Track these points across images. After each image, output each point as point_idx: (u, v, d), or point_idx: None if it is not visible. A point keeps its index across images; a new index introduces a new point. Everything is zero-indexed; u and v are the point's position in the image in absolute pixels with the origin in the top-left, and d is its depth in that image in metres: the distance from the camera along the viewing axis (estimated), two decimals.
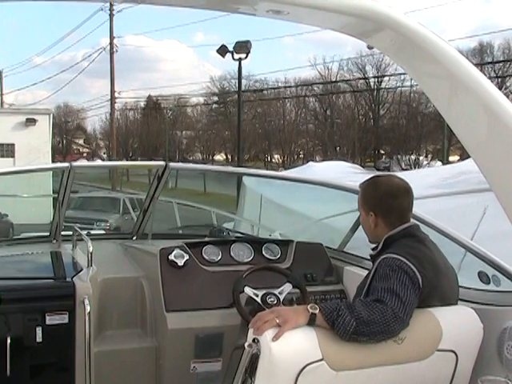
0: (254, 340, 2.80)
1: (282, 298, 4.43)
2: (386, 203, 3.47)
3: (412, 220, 3.58)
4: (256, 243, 5.20)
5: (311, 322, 2.85)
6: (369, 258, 3.69)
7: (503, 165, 2.77)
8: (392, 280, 3.04)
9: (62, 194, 5.36)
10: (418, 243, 3.37)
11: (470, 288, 3.97)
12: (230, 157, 72.43)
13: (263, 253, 5.09)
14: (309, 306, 2.89)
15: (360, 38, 3.02)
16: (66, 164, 5.16)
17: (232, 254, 5.03)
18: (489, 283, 3.92)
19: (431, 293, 3.19)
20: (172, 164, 5.29)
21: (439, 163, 45.46)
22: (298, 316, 2.86)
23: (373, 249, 3.58)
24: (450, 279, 3.41)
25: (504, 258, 3.87)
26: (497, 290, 3.82)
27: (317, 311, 2.86)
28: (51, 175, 19.61)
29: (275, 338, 2.75)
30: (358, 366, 2.87)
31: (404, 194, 3.51)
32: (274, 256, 5.07)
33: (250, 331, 2.86)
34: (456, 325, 3.14)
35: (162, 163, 5.25)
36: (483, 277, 3.97)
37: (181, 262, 4.75)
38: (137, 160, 61.95)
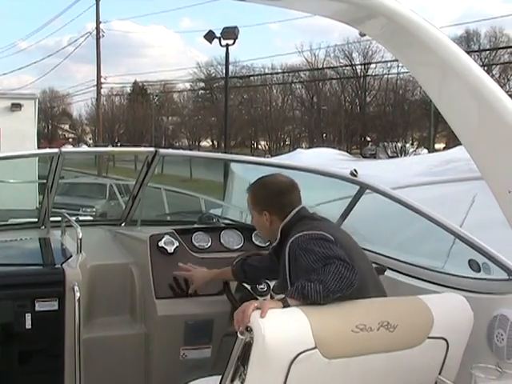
0: (247, 328, 2.80)
1: (272, 284, 4.43)
2: (276, 201, 3.71)
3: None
4: (246, 230, 5.20)
5: (285, 304, 2.92)
6: None
7: (494, 152, 2.78)
8: (314, 251, 3.17)
9: (50, 180, 5.32)
10: (312, 220, 3.61)
11: (460, 276, 3.99)
12: (216, 143, 72.28)
13: (253, 240, 5.09)
14: (276, 297, 3.05)
15: (352, 24, 3.01)
16: (55, 150, 5.12)
17: (222, 240, 5.03)
18: (479, 271, 3.94)
19: (350, 250, 3.35)
20: (162, 150, 5.25)
21: (425, 151, 45.60)
22: (272, 302, 2.95)
23: (269, 244, 3.85)
24: (354, 240, 3.65)
25: (493, 246, 3.89)
26: (487, 278, 3.85)
27: (283, 296, 2.96)
28: (37, 160, 19.47)
29: (262, 314, 2.79)
30: (351, 353, 2.88)
31: (290, 189, 3.77)
32: (263, 243, 5.07)
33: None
34: (447, 312, 3.16)
35: (152, 149, 5.21)
36: (474, 265, 3.99)
37: (170, 249, 4.75)
38: (122, 146, 61.70)
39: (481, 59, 54.06)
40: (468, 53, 2.72)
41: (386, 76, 62.89)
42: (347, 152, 31.33)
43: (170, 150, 6.63)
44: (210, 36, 27.42)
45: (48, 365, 4.37)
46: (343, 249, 3.24)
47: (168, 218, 7.03)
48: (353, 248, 3.48)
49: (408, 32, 2.72)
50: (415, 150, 54.45)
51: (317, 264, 3.08)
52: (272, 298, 3.91)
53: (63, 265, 4.38)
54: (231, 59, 36.03)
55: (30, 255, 5.08)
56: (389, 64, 57.60)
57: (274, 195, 3.71)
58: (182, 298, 4.61)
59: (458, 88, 2.75)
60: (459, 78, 2.68)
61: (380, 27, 2.87)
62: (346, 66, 65.91)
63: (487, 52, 57.53)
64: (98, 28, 56.52)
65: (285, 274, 3.45)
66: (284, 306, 2.91)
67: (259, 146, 72.46)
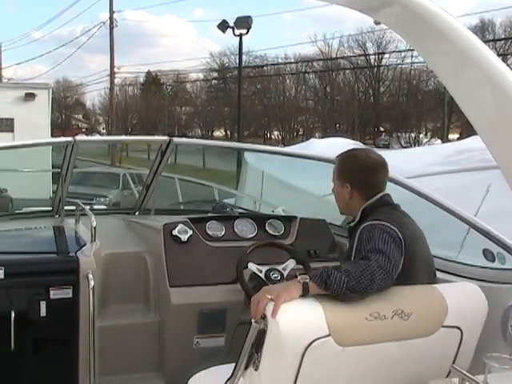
0: (261, 315, 2.81)
1: (285, 274, 4.42)
2: (363, 177, 3.58)
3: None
4: (259, 219, 5.19)
5: (305, 291, 2.87)
6: None
7: (511, 141, 2.76)
8: (374, 240, 3.12)
9: (65, 169, 5.34)
10: (394, 210, 3.51)
11: (474, 265, 3.98)
12: (229, 133, 72.24)
13: (267, 229, 5.08)
14: (299, 278, 2.91)
15: (367, 12, 2.99)
16: (69, 138, 5.13)
17: (235, 229, 5.03)
18: (494, 261, 3.93)
19: (414, 255, 3.27)
20: (176, 139, 5.25)
21: (439, 141, 45.43)
22: (290, 289, 2.88)
23: (349, 222, 3.70)
24: (426, 244, 3.51)
25: (508, 235, 3.88)
26: (502, 267, 3.83)
27: (308, 280, 2.88)
28: (50, 149, 19.51)
29: (273, 314, 2.76)
30: (365, 341, 2.88)
31: (380, 168, 3.63)
32: (277, 232, 5.07)
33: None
34: (461, 301, 3.15)
35: (166, 138, 5.21)
36: (488, 254, 3.97)
37: (184, 238, 4.75)
38: (135, 135, 61.65)
39: (496, 49, 53.70)
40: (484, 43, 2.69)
41: (399, 66, 62.76)
42: (361, 142, 31.24)
43: (184, 139, 6.61)
44: (223, 26, 27.39)
45: (62, 352, 4.39)
46: (407, 252, 3.20)
47: (182, 207, 7.03)
48: (418, 254, 3.35)
49: (424, 20, 2.69)
50: (429, 141, 54.27)
51: (364, 254, 3.06)
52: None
53: (77, 253, 4.40)
54: (244, 49, 35.90)
55: (44, 243, 5.10)
56: (402, 54, 57.58)
57: (362, 171, 3.58)
58: (196, 286, 4.62)
59: (474, 77, 2.73)
60: (476, 67, 2.65)
61: (395, 15, 2.85)
62: (360, 55, 65.69)
63: (502, 42, 57.14)
64: (111, 18, 56.45)
65: (349, 255, 3.38)
66: (303, 292, 2.86)
67: (272, 136, 72.36)
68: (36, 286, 4.23)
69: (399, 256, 3.12)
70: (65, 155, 5.25)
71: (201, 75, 77.47)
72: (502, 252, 3.84)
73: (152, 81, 79.05)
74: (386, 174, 3.65)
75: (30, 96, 30.57)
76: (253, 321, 2.83)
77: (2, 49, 65.56)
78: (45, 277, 4.26)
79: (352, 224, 3.60)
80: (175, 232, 4.76)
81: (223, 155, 36.61)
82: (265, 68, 69.91)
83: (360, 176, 3.58)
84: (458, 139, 36.02)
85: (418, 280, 3.30)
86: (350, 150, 3.79)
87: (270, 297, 2.83)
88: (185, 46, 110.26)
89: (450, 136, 52.66)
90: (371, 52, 65.42)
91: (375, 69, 66.15)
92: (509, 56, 55.17)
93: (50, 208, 5.80)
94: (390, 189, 4.83)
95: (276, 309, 2.77)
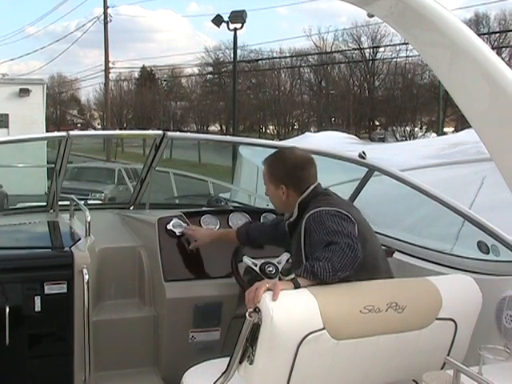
0: (255, 309, 2.80)
1: (280, 267, 4.42)
2: (295, 175, 3.69)
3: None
4: (254, 213, 5.19)
5: (296, 285, 2.92)
6: None
7: (504, 134, 2.76)
8: (326, 225, 3.22)
9: (59, 164, 5.31)
10: (328, 196, 3.64)
11: (469, 258, 3.98)
12: (224, 128, 72.17)
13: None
14: (286, 279, 3.04)
15: (360, 5, 3.00)
16: (63, 133, 5.10)
17: (230, 223, 5.02)
18: (488, 253, 3.94)
19: (362, 223, 3.47)
20: (170, 133, 5.22)
21: (434, 134, 45.46)
22: (283, 283, 2.93)
23: (288, 218, 3.78)
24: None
25: (502, 227, 3.88)
26: (496, 259, 3.84)
27: (293, 276, 2.96)
28: (45, 145, 19.48)
29: (274, 297, 2.78)
30: (359, 334, 2.88)
31: (309, 164, 3.76)
32: None
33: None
34: (455, 294, 3.16)
35: (160, 132, 5.18)
36: (482, 246, 3.98)
37: (179, 232, 4.75)
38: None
39: (490, 42, 53.74)
40: (477, 36, 2.70)
41: (394, 60, 62.75)
42: (356, 136, 31.23)
43: (178, 133, 6.56)
44: (217, 20, 27.32)
45: (57, 347, 4.38)
46: (357, 226, 3.32)
47: (177, 202, 7.01)
48: (365, 225, 3.53)
49: (417, 13, 2.70)
50: (424, 134, 54.31)
51: (326, 237, 3.12)
52: (280, 279, 3.91)
53: (72, 248, 4.38)
54: (239, 43, 35.89)
55: (38, 238, 5.08)
56: (397, 48, 57.57)
57: (293, 170, 3.69)
58: (191, 280, 4.62)
59: (467, 69, 2.74)
60: (469, 58, 2.66)
61: (388, 8, 2.85)
62: (355, 49, 65.68)
63: (497, 35, 57.17)
64: (105, 13, 56.27)
65: (299, 249, 3.48)
66: (295, 287, 2.91)
67: (267, 131, 72.31)
68: (31, 281, 4.22)
69: (354, 228, 3.25)
70: (59, 150, 5.23)
71: (196, 70, 77.55)
72: (496, 244, 3.85)
73: (147, 76, 78.92)
74: (315, 167, 3.78)
75: (24, 91, 30.56)
76: (247, 315, 2.82)
77: None
78: (39, 272, 4.24)
79: (292, 219, 3.70)
80: (170, 226, 4.75)
81: (219, 150, 36.55)
82: (260, 62, 69.89)
83: (291, 176, 3.69)
84: (453, 133, 36.04)
85: (374, 244, 3.52)
86: (276, 152, 3.91)
87: (267, 285, 2.85)
88: (180, 41, 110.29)
89: (445, 129, 52.67)
90: (366, 46, 65.44)
91: (370, 63, 66.18)
92: (503, 49, 55.24)
93: (45, 203, 5.78)
94: (385, 182, 4.86)
95: (277, 291, 2.80)
